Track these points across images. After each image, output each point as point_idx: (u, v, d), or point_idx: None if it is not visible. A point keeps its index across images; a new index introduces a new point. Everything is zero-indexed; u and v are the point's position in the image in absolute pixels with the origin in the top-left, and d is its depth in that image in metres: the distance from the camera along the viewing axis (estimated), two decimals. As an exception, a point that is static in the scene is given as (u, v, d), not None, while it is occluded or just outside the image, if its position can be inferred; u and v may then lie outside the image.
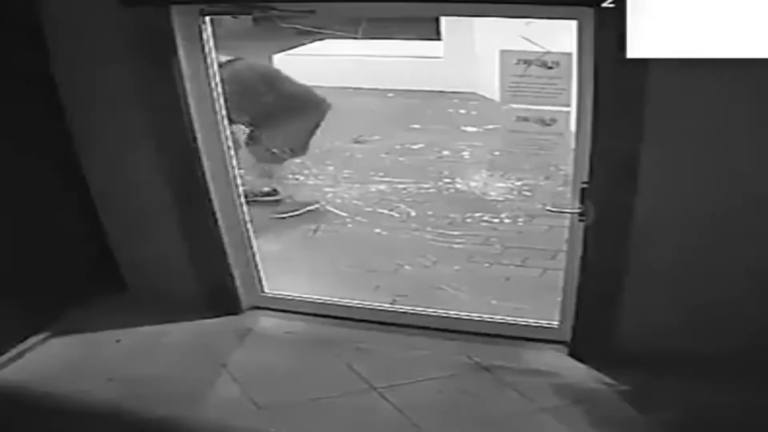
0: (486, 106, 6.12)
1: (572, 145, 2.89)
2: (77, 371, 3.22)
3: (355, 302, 3.63)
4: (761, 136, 2.59)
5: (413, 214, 4.84)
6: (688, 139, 2.67)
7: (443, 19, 7.20)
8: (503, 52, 2.84)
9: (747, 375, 2.85)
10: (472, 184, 4.89)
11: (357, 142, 6.10)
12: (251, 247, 3.62)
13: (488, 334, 3.35)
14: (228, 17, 3.11)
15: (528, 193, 4.99)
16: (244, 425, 2.88)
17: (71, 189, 3.60)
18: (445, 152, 5.83)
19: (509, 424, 2.81)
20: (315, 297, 3.67)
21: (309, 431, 2.88)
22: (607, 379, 3.00)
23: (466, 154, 5.78)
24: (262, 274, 3.69)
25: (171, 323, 3.55)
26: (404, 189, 5.14)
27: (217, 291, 3.63)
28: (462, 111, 6.31)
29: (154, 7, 2.98)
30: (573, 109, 2.83)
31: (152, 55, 3.08)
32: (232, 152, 3.39)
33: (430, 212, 4.84)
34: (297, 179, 5.34)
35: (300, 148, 5.23)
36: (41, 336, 3.45)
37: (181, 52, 3.07)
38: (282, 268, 3.90)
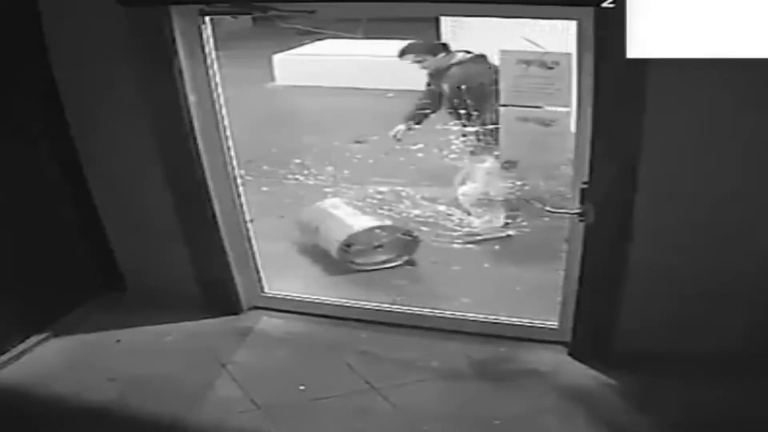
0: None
1: (572, 145, 2.89)
2: (77, 371, 3.22)
3: (354, 302, 3.63)
4: (761, 135, 2.60)
5: (413, 213, 4.84)
6: (688, 139, 2.67)
7: (443, 19, 7.19)
8: (503, 52, 2.84)
9: (746, 374, 2.85)
10: (473, 184, 4.88)
11: (357, 142, 6.09)
12: (251, 248, 3.62)
13: (488, 334, 3.35)
14: (228, 17, 3.11)
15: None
16: (244, 425, 2.88)
17: (72, 189, 3.60)
18: (445, 152, 5.82)
19: (509, 425, 2.81)
20: (315, 297, 3.68)
21: (309, 431, 2.88)
22: (607, 379, 3.00)
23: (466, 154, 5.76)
24: (262, 274, 3.69)
25: (171, 323, 3.56)
26: (404, 189, 5.14)
27: (217, 291, 3.63)
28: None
29: (154, 7, 2.98)
30: (573, 109, 2.83)
31: (152, 55, 3.08)
32: (232, 152, 3.39)
33: (429, 212, 4.84)
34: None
35: None
36: (41, 336, 3.46)
37: (181, 53, 3.08)
38: (283, 268, 3.91)
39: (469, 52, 4.63)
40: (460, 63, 4.59)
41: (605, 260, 2.97)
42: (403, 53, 4.77)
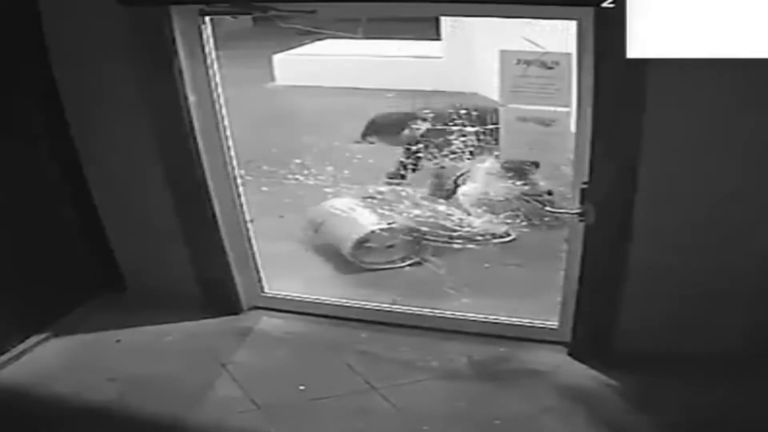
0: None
1: (572, 145, 2.89)
2: (77, 371, 3.22)
3: (354, 302, 3.63)
4: (761, 135, 2.60)
5: (414, 214, 4.83)
6: (688, 139, 2.67)
7: (443, 19, 7.19)
8: (503, 52, 2.84)
9: (746, 374, 2.85)
10: (472, 184, 4.88)
11: (357, 142, 6.09)
12: (251, 248, 3.62)
13: (488, 334, 3.35)
14: (228, 17, 3.11)
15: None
16: (244, 425, 2.88)
17: (72, 189, 3.60)
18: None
19: (509, 425, 2.81)
20: (315, 297, 3.68)
21: (309, 431, 2.88)
22: (607, 379, 3.00)
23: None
24: (262, 274, 3.69)
25: (171, 323, 3.56)
26: (404, 189, 5.13)
27: (217, 291, 3.63)
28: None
29: (154, 7, 2.98)
30: (573, 109, 2.83)
31: (152, 56, 3.08)
32: (232, 152, 3.39)
33: (429, 212, 4.84)
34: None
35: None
36: (41, 336, 3.46)
37: (181, 53, 3.08)
38: (282, 268, 3.90)
39: (425, 119, 4.69)
40: (425, 134, 4.61)
41: (605, 260, 2.97)
42: (364, 136, 4.75)
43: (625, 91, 2.61)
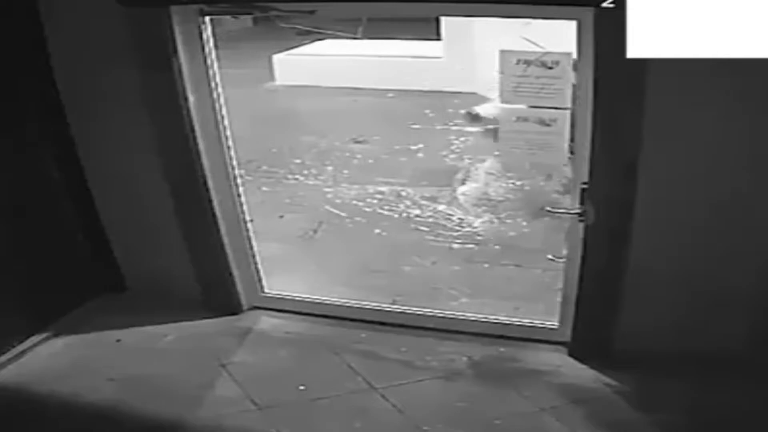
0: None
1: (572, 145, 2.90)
2: (77, 371, 3.22)
3: (354, 302, 3.63)
4: (761, 136, 2.60)
5: (414, 214, 4.84)
6: (688, 139, 2.67)
7: (443, 19, 7.20)
8: (503, 52, 2.84)
9: (746, 374, 2.85)
10: (473, 184, 4.89)
11: (357, 142, 6.10)
12: (251, 247, 3.62)
13: (488, 335, 3.35)
14: (228, 17, 3.10)
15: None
16: (244, 425, 2.88)
17: (72, 189, 3.60)
18: (445, 152, 5.83)
19: (509, 425, 2.81)
20: (315, 297, 3.68)
21: (309, 431, 2.88)
22: (607, 379, 3.01)
23: (466, 154, 5.77)
24: (262, 274, 3.69)
25: (171, 323, 3.56)
26: (403, 189, 5.14)
27: (217, 291, 3.63)
28: (462, 111, 6.31)
29: (154, 7, 2.98)
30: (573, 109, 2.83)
31: (152, 56, 3.08)
32: (232, 152, 3.39)
33: (429, 212, 4.85)
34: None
35: None
36: (41, 336, 3.46)
37: (181, 53, 3.08)
38: (282, 268, 3.91)
39: None
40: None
41: (605, 260, 2.97)
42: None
43: (625, 91, 2.61)
